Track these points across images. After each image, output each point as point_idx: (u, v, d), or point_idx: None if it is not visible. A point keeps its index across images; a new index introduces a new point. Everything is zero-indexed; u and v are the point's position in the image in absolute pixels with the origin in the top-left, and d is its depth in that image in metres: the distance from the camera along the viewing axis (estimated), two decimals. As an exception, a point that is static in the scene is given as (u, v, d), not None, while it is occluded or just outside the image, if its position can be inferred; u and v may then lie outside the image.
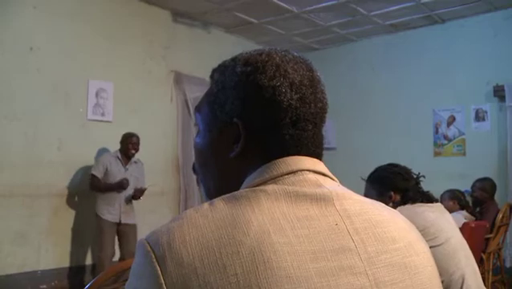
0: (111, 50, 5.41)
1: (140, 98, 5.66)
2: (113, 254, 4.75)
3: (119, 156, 4.89)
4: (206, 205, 0.64)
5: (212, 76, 0.81)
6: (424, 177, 2.24)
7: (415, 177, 2.22)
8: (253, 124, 0.73)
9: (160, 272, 0.57)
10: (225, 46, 6.18)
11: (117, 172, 4.81)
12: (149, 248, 0.60)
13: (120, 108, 5.42)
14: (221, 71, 0.79)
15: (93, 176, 4.78)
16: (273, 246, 0.59)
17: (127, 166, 4.90)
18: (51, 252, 4.82)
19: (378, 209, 0.72)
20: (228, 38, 6.73)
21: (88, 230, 4.99)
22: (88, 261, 5.13)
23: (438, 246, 1.94)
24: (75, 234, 5.02)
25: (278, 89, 0.72)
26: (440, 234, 1.95)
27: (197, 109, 0.83)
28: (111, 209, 4.75)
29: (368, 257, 0.64)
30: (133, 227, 4.89)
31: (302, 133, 0.73)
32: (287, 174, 0.69)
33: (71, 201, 5.00)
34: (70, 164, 4.99)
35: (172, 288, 0.57)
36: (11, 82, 4.60)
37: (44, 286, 4.73)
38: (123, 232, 4.81)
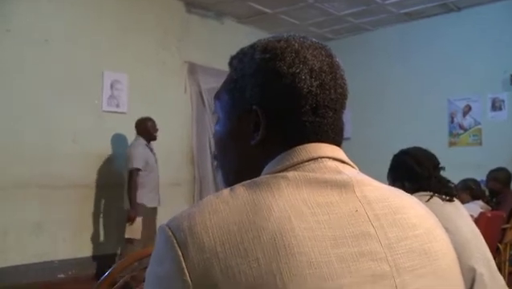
0: (126, 41, 5.44)
1: (155, 89, 5.68)
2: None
3: (146, 143, 4.77)
4: (226, 191, 0.64)
5: (231, 63, 0.81)
6: (443, 168, 2.18)
7: (432, 166, 2.15)
8: (273, 112, 0.72)
9: (181, 257, 0.58)
10: (238, 37, 6.16)
11: (153, 162, 4.77)
12: (170, 233, 0.60)
13: (135, 99, 5.45)
14: (240, 59, 0.78)
15: (137, 170, 4.55)
16: (293, 231, 0.58)
17: (153, 151, 4.85)
18: (68, 242, 4.88)
19: (397, 196, 0.72)
20: (241, 29, 6.71)
21: (105, 220, 5.04)
22: (106, 251, 5.17)
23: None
24: (91, 224, 5.08)
25: (298, 76, 0.71)
26: (447, 223, 1.91)
27: (217, 97, 0.82)
28: (154, 195, 4.74)
29: (389, 243, 0.64)
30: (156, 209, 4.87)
31: (322, 120, 0.72)
32: (308, 161, 0.69)
33: (86, 192, 5.04)
34: (85, 156, 5.03)
35: (193, 273, 0.57)
36: (26, 74, 4.64)
37: (62, 276, 4.79)
38: (153, 215, 4.77)
